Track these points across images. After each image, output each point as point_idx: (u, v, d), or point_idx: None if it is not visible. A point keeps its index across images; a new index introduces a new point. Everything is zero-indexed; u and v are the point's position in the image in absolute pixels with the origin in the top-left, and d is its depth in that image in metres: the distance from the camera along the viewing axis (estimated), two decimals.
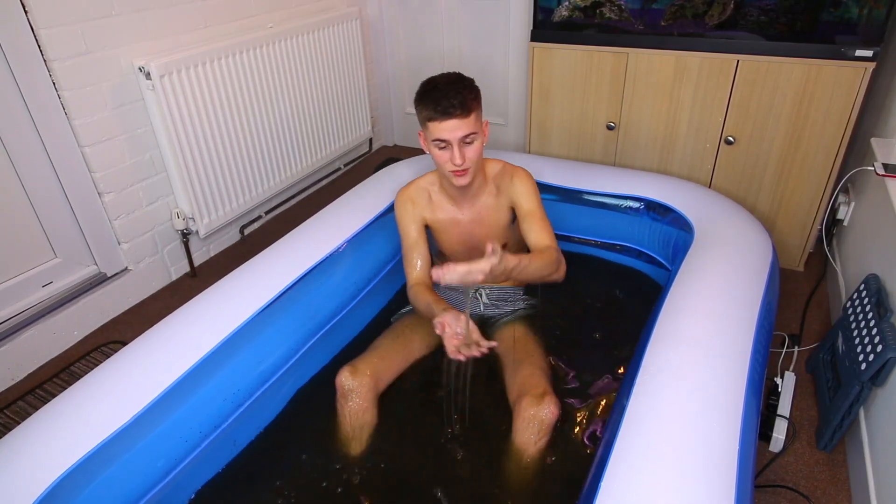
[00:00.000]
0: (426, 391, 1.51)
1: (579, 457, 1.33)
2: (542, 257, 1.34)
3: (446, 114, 1.29)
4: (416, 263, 1.52)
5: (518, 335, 1.52)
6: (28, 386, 1.76)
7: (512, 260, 1.19)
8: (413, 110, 3.19)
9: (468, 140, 1.33)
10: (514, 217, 1.52)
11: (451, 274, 1.08)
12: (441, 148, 1.35)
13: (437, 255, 1.67)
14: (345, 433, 1.39)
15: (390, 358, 1.49)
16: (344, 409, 1.39)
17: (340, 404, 1.40)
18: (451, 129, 1.30)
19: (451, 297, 1.65)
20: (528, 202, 1.46)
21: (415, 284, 1.51)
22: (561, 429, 1.37)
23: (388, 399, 1.44)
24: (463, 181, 1.39)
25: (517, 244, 1.56)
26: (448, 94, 1.29)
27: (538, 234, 1.43)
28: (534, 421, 1.28)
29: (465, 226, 1.55)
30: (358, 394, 1.38)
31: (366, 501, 1.28)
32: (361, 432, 1.40)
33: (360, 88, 2.88)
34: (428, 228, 1.57)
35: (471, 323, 1.23)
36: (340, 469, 1.34)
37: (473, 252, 1.58)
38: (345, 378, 1.39)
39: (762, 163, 1.98)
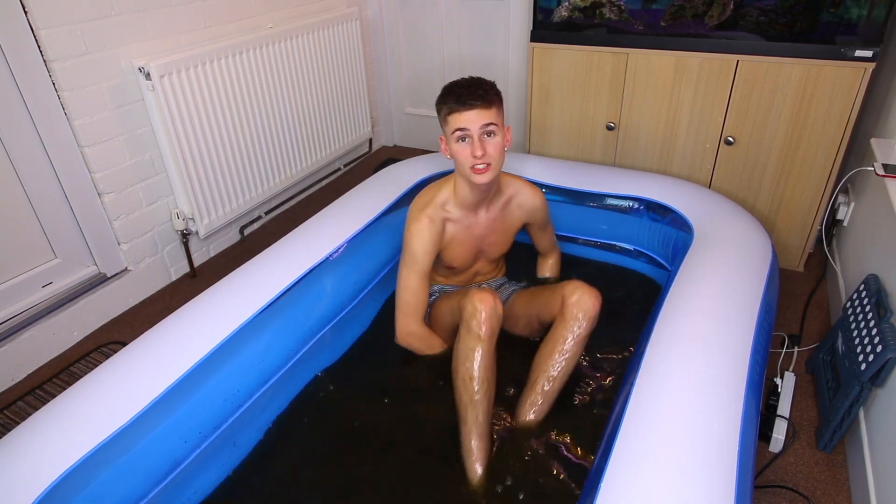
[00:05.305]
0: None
1: (578, 456, 1.33)
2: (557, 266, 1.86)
3: (467, 104, 1.32)
4: (428, 296, 1.54)
5: (519, 294, 1.62)
6: (28, 386, 1.76)
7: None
8: (413, 110, 3.23)
9: (489, 131, 1.34)
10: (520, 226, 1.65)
11: None
12: (462, 140, 1.35)
13: (439, 269, 1.64)
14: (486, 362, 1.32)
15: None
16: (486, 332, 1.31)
17: (481, 326, 1.30)
18: (472, 118, 1.32)
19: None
20: (544, 218, 1.68)
21: (422, 321, 1.53)
22: (561, 427, 1.37)
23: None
24: (483, 178, 1.37)
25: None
26: (470, 87, 1.34)
27: (550, 239, 1.80)
28: (579, 306, 1.38)
29: (480, 231, 1.56)
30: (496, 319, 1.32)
31: (366, 495, 1.28)
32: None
33: (360, 88, 2.88)
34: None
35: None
36: (340, 466, 1.34)
37: (480, 258, 1.62)
38: (493, 304, 1.32)
39: (762, 163, 1.98)
